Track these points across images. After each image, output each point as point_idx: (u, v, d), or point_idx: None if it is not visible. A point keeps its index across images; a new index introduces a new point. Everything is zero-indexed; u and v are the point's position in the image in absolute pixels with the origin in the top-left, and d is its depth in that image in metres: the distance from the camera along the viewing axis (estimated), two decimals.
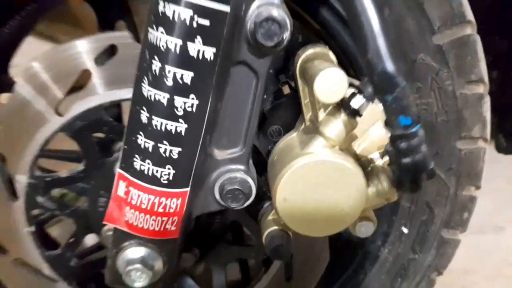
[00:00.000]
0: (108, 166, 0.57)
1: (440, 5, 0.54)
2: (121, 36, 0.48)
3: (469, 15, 0.58)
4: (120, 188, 0.44)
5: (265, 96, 0.48)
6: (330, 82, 0.35)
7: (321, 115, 0.40)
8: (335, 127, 0.40)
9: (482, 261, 1.18)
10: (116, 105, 0.60)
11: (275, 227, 0.46)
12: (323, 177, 0.41)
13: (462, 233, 0.72)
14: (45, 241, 0.64)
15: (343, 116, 0.39)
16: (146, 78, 0.40)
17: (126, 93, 0.50)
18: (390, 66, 0.32)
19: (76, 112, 0.52)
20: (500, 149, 0.88)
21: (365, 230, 0.52)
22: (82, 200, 0.60)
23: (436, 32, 0.55)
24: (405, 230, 0.68)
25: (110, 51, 0.51)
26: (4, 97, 0.64)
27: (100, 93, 0.51)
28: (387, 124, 0.35)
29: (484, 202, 1.00)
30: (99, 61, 0.50)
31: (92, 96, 0.51)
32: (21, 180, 0.55)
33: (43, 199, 0.57)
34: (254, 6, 0.39)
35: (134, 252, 0.46)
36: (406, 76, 0.33)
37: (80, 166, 0.56)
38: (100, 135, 0.56)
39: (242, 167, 0.47)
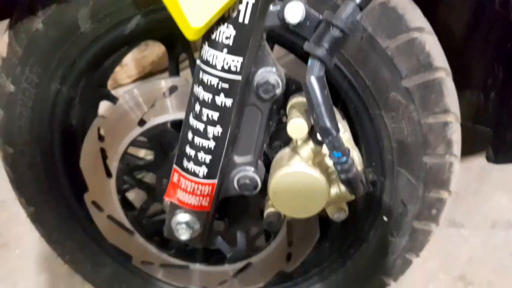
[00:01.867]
0: (170, 160, 0.84)
1: (408, 59, 0.71)
2: (180, 79, 0.74)
3: (438, 62, 0.74)
4: (175, 177, 0.70)
5: (270, 123, 0.71)
6: (294, 127, 0.57)
7: (299, 141, 0.63)
8: (306, 150, 0.62)
9: None
10: None
11: (272, 209, 0.71)
12: (298, 181, 0.63)
13: (435, 225, 0.90)
14: (127, 205, 0.94)
15: (311, 144, 0.62)
16: (191, 113, 0.64)
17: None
18: (325, 123, 0.53)
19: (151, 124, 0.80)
20: (489, 159, 1.02)
21: (338, 216, 0.73)
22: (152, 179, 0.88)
23: (404, 78, 0.74)
24: (386, 219, 0.87)
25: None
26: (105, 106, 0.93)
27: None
28: (329, 155, 0.57)
29: None
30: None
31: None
32: (115, 165, 0.85)
33: (128, 178, 0.86)
34: (259, 72, 0.62)
35: (181, 217, 0.71)
36: (336, 129, 0.54)
37: (151, 158, 0.85)
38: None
39: (252, 168, 0.71)
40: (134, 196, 1.23)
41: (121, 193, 0.87)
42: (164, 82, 0.74)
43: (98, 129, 0.80)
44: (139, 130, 0.78)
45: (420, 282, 1.24)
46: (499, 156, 0.99)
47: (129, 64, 2.15)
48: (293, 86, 0.67)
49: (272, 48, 0.79)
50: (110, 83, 0.84)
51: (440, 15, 1.02)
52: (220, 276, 0.92)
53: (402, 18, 0.70)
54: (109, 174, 0.84)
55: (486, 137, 1.04)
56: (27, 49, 0.78)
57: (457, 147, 0.79)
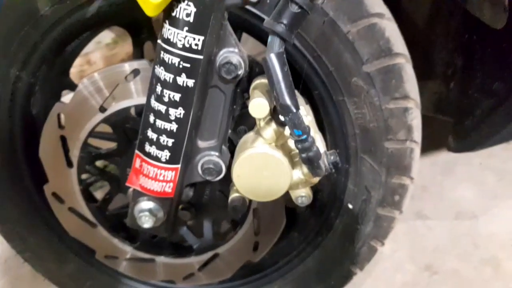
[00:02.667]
0: (133, 147, 0.82)
1: (369, 44, 0.73)
2: (142, 63, 0.73)
3: (398, 48, 0.76)
4: (137, 163, 0.69)
5: (234, 107, 0.70)
6: (256, 107, 0.57)
7: (262, 123, 0.63)
8: (269, 132, 0.62)
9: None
10: None
11: (236, 194, 0.70)
12: (261, 162, 0.63)
13: (398, 213, 0.91)
14: (89, 196, 0.92)
15: (273, 125, 0.62)
16: (153, 95, 0.63)
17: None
18: (284, 100, 0.54)
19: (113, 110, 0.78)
20: (450, 148, 1.05)
21: (302, 201, 0.73)
22: (115, 169, 0.86)
23: (364, 63, 0.75)
24: (350, 206, 0.87)
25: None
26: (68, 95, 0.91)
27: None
28: (290, 134, 0.57)
29: None
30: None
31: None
32: (76, 154, 0.82)
33: (89, 167, 0.84)
34: (221, 52, 0.62)
35: (144, 204, 0.70)
36: (296, 106, 0.55)
37: (114, 146, 0.82)
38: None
39: (216, 153, 0.70)
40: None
41: (83, 184, 0.84)
42: (127, 66, 0.73)
43: (58, 116, 0.77)
44: (100, 116, 0.76)
45: (388, 272, 1.26)
46: (459, 144, 1.03)
47: (98, 62, 2.11)
48: (257, 69, 0.67)
49: (239, 38, 0.79)
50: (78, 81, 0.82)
51: (402, 7, 1.05)
52: (186, 269, 0.90)
53: (362, 3, 0.71)
54: (69, 164, 0.82)
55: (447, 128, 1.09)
56: None
57: (417, 133, 0.81)
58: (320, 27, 0.71)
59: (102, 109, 0.76)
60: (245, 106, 0.73)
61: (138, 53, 0.89)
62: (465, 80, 1.00)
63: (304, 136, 0.55)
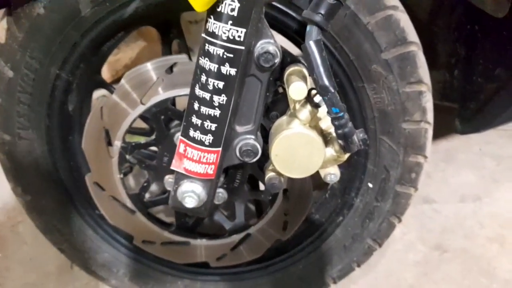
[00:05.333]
0: (170, 137, 0.88)
1: (386, 34, 0.80)
2: (180, 57, 0.79)
3: (411, 37, 0.83)
4: (181, 148, 0.74)
5: (268, 94, 0.77)
6: (296, 90, 0.64)
7: (297, 106, 0.70)
8: (304, 113, 0.69)
9: None
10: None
11: (272, 173, 0.77)
12: (297, 142, 0.70)
13: (414, 190, 0.99)
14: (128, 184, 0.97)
15: (309, 107, 0.68)
16: (197, 85, 0.70)
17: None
18: (324, 81, 0.61)
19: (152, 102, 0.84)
20: (457, 131, 1.13)
21: (330, 178, 0.80)
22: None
23: (383, 51, 0.82)
24: (370, 185, 0.94)
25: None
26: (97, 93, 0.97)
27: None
28: (327, 112, 0.64)
29: None
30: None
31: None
32: (117, 145, 0.88)
33: (129, 157, 0.89)
34: (258, 44, 0.68)
35: (188, 186, 0.75)
36: (334, 87, 0.61)
37: (152, 136, 0.89)
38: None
39: (253, 136, 0.76)
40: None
41: (123, 173, 0.90)
42: (166, 60, 0.79)
43: (101, 109, 0.83)
44: (142, 108, 0.82)
45: (400, 253, 1.33)
46: (465, 127, 1.11)
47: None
48: (288, 58, 0.74)
49: None
50: None
51: (406, 2, 1.13)
52: (219, 249, 0.97)
53: None
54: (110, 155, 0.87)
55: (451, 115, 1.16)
56: (28, 34, 0.81)
57: (430, 115, 0.89)
58: (342, 20, 0.78)
59: (143, 102, 0.82)
60: (276, 93, 0.80)
61: (167, 51, 0.95)
62: (468, 67, 1.08)
63: (342, 114, 0.62)
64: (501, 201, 1.49)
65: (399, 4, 0.82)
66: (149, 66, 0.80)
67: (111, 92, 0.95)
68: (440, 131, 1.51)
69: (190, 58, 0.83)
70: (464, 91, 1.09)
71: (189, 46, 0.94)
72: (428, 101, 0.87)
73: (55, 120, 0.91)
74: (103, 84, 0.97)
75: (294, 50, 0.78)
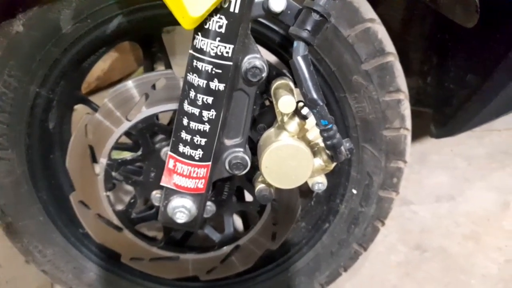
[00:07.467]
0: (156, 152, 0.88)
1: (366, 45, 0.83)
2: (166, 73, 0.80)
3: (389, 48, 0.86)
4: (170, 163, 0.74)
5: (254, 107, 0.78)
6: (285, 103, 0.66)
7: (285, 118, 0.71)
8: (293, 125, 0.71)
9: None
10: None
11: (262, 184, 0.78)
12: (287, 153, 0.71)
13: (396, 194, 1.02)
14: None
15: (297, 119, 0.70)
16: (186, 100, 0.70)
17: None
18: (312, 95, 0.62)
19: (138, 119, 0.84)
20: (432, 135, 1.18)
21: (318, 187, 0.82)
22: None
23: (363, 62, 0.85)
24: (355, 191, 0.96)
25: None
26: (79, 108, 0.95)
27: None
28: (316, 124, 0.65)
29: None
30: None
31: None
32: (103, 162, 0.86)
33: (115, 174, 0.88)
34: (246, 59, 0.69)
35: (178, 201, 0.76)
36: (322, 100, 0.63)
37: (139, 152, 0.88)
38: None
39: (241, 149, 0.77)
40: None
41: (109, 190, 0.89)
42: (152, 76, 0.79)
43: (85, 127, 0.82)
44: (127, 124, 0.81)
45: (383, 255, 1.36)
46: (440, 131, 1.15)
47: None
48: (274, 72, 0.76)
49: None
50: None
51: (378, 12, 1.18)
52: (209, 263, 0.96)
53: (358, 11, 0.81)
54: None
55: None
56: (6, 52, 0.79)
57: (409, 121, 0.92)
58: (323, 33, 0.81)
59: (128, 118, 0.81)
60: (263, 106, 0.81)
61: (149, 65, 0.95)
62: (441, 74, 1.13)
63: (330, 125, 0.64)
64: (474, 199, 1.56)
65: (376, 17, 0.85)
66: (133, 82, 0.80)
67: (91, 107, 0.94)
68: (414, 135, 1.57)
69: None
70: (438, 97, 1.14)
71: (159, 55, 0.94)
72: (406, 109, 0.90)
73: (35, 139, 0.89)
74: (83, 100, 0.95)
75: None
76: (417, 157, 1.77)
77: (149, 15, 0.79)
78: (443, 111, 1.12)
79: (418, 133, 1.68)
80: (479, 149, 1.79)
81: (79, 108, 0.98)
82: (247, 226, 1.04)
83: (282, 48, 0.83)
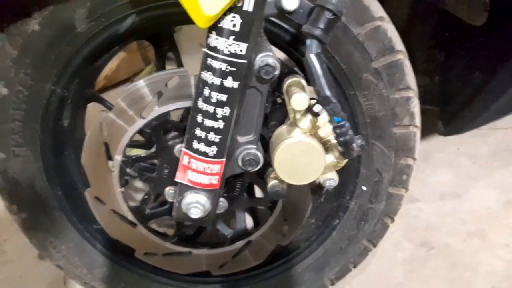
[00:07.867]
0: (169, 149, 0.89)
1: (375, 43, 0.84)
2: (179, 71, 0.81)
3: (398, 46, 0.87)
4: (185, 160, 0.76)
5: (266, 104, 0.79)
6: (298, 100, 0.67)
7: (298, 115, 0.73)
8: (305, 122, 0.72)
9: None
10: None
11: (275, 180, 0.79)
12: (300, 150, 0.73)
13: (405, 191, 1.03)
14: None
15: (309, 116, 0.72)
16: (200, 98, 0.71)
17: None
18: (326, 92, 0.64)
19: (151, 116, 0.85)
20: (440, 132, 1.19)
21: (329, 184, 0.84)
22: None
23: (373, 60, 0.86)
24: (364, 188, 0.97)
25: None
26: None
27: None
28: (329, 121, 0.67)
29: None
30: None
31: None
32: (118, 158, 0.88)
33: (130, 170, 0.90)
34: (258, 57, 0.71)
35: (193, 197, 0.78)
36: (335, 97, 0.65)
37: (152, 149, 0.89)
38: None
39: (254, 146, 0.79)
40: None
41: (124, 186, 0.90)
42: (165, 74, 0.80)
43: (100, 124, 0.83)
44: (142, 121, 0.83)
45: (389, 252, 1.38)
46: (447, 129, 1.17)
47: None
48: (286, 70, 0.77)
49: None
50: None
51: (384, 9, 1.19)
52: (221, 258, 0.98)
53: (368, 9, 0.82)
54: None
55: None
56: (22, 51, 0.80)
57: (418, 119, 0.93)
58: (333, 31, 0.82)
59: (142, 116, 0.83)
60: (275, 103, 0.83)
61: (160, 63, 0.97)
62: (447, 72, 1.14)
63: (343, 122, 0.65)
64: (479, 197, 1.57)
65: (386, 15, 0.86)
66: (147, 80, 0.81)
67: (104, 105, 0.96)
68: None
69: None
70: (444, 94, 1.15)
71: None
72: (415, 106, 0.91)
73: (50, 136, 0.91)
74: (96, 98, 0.97)
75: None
76: (421, 155, 1.76)
77: (162, 13, 0.80)
78: (449, 109, 1.13)
79: (423, 131, 1.69)
80: (484, 148, 1.79)
81: (90, 106, 1.00)
82: (257, 223, 1.05)
83: (292, 46, 0.84)
